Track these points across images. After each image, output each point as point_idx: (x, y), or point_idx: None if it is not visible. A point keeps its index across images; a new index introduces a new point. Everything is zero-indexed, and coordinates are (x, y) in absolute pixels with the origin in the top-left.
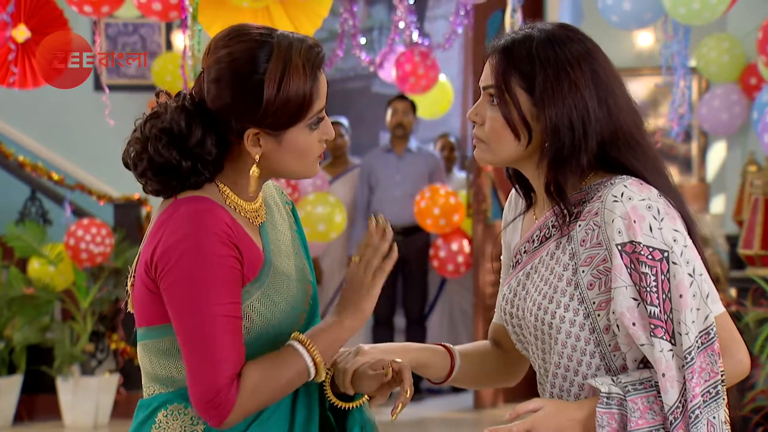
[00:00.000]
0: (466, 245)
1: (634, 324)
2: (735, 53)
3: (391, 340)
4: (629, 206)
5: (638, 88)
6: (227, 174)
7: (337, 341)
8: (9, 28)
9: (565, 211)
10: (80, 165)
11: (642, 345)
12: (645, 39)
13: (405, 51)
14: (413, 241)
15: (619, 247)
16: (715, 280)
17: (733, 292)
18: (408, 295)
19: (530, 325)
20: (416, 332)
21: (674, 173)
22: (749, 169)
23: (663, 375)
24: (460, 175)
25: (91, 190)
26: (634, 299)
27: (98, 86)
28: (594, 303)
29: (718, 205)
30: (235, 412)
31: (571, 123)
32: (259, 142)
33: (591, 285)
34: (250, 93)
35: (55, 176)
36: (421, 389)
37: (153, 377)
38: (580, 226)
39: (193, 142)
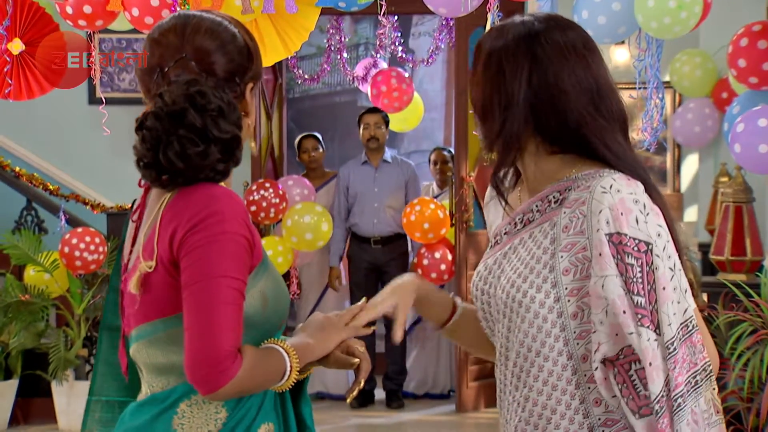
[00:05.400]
0: (448, 254)
1: (624, 312)
2: (707, 68)
3: (372, 345)
4: (617, 198)
5: None
6: None
7: (307, 358)
8: (4, 41)
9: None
10: (75, 176)
11: (630, 333)
12: (621, 55)
13: (381, 71)
14: (392, 249)
15: (607, 237)
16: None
17: (705, 296)
18: None
19: (500, 302)
20: None
21: None
22: (721, 180)
23: (650, 364)
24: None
25: (85, 200)
26: (623, 288)
27: (92, 100)
28: (566, 288)
29: (691, 214)
30: (231, 384)
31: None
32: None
33: (566, 271)
34: (244, 51)
35: (51, 186)
36: (401, 397)
37: (169, 368)
38: (564, 213)
39: (234, 118)
